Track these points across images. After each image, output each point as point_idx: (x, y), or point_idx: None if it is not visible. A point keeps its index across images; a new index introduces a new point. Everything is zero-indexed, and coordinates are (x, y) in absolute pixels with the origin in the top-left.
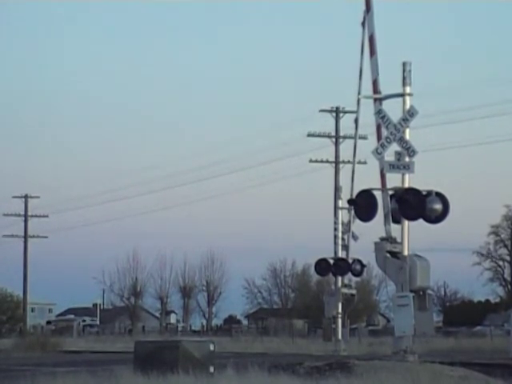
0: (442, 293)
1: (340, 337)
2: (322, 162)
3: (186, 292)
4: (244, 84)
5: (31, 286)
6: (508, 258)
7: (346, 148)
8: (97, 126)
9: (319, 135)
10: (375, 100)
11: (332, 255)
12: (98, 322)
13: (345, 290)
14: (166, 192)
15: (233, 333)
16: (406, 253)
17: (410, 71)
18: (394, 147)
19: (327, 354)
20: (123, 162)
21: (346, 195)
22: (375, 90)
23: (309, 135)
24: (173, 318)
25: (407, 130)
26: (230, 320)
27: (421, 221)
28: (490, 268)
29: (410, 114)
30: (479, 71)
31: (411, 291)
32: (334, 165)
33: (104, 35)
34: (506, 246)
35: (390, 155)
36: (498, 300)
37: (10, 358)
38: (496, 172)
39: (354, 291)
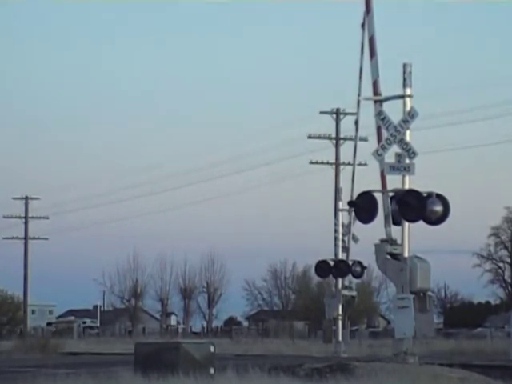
0: (443, 294)
1: (340, 338)
2: (322, 163)
3: (187, 293)
4: (244, 85)
5: (32, 288)
6: (508, 259)
7: (346, 150)
8: (97, 127)
9: (319, 137)
10: (375, 102)
11: (332, 257)
12: (98, 324)
13: (345, 292)
14: (166, 193)
15: (233, 334)
16: (406, 254)
17: (410, 73)
18: (395, 149)
19: (327, 355)
20: (123, 162)
21: (346, 197)
22: (375, 91)
23: (309, 137)
24: (173, 320)
25: (407, 132)
26: (231, 322)
27: (421, 222)
28: (491, 270)
29: (410, 116)
30: (479, 72)
31: (411, 293)
32: (334, 166)
33: (103, 35)
34: (506, 247)
35: (390, 157)
36: (498, 302)
37: (10, 360)
38: (496, 173)
39: (354, 293)
